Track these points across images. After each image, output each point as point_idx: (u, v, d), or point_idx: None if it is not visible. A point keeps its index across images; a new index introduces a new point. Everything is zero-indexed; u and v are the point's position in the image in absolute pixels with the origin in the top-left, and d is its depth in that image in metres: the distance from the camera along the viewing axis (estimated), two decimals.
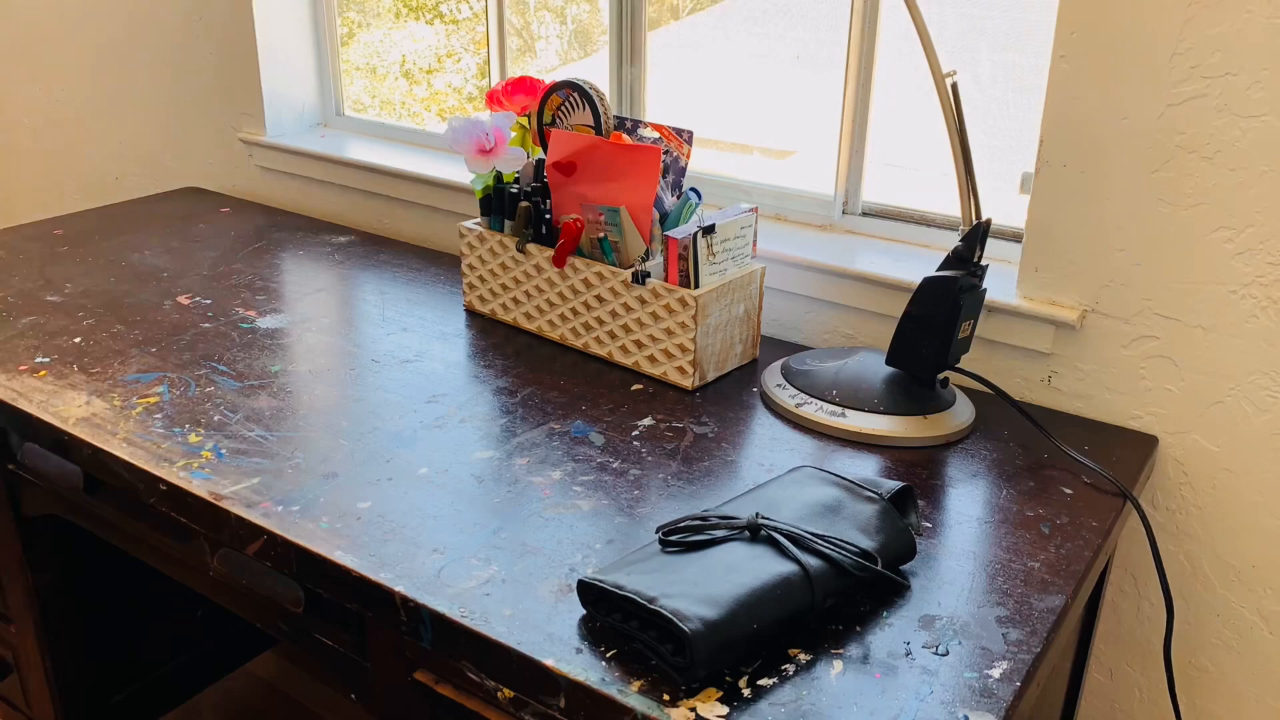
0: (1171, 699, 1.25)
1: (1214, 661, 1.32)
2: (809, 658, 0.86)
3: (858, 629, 0.90)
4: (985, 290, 1.24)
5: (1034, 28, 1.27)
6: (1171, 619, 1.24)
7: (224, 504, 1.06)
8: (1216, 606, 1.29)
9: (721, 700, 0.81)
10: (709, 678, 0.83)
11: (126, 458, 1.14)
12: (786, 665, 0.85)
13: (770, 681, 0.83)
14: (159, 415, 1.23)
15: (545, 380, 1.34)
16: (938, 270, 1.21)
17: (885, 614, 0.91)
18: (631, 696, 0.81)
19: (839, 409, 1.24)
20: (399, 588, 0.93)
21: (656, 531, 0.94)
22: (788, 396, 1.28)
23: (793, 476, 1.03)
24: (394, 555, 0.98)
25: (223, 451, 1.15)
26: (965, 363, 1.27)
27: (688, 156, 1.38)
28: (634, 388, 1.32)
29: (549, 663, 0.84)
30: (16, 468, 1.38)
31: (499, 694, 0.90)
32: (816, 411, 1.24)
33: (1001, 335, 1.33)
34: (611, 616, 0.87)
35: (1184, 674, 1.34)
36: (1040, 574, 0.98)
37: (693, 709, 0.80)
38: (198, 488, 1.08)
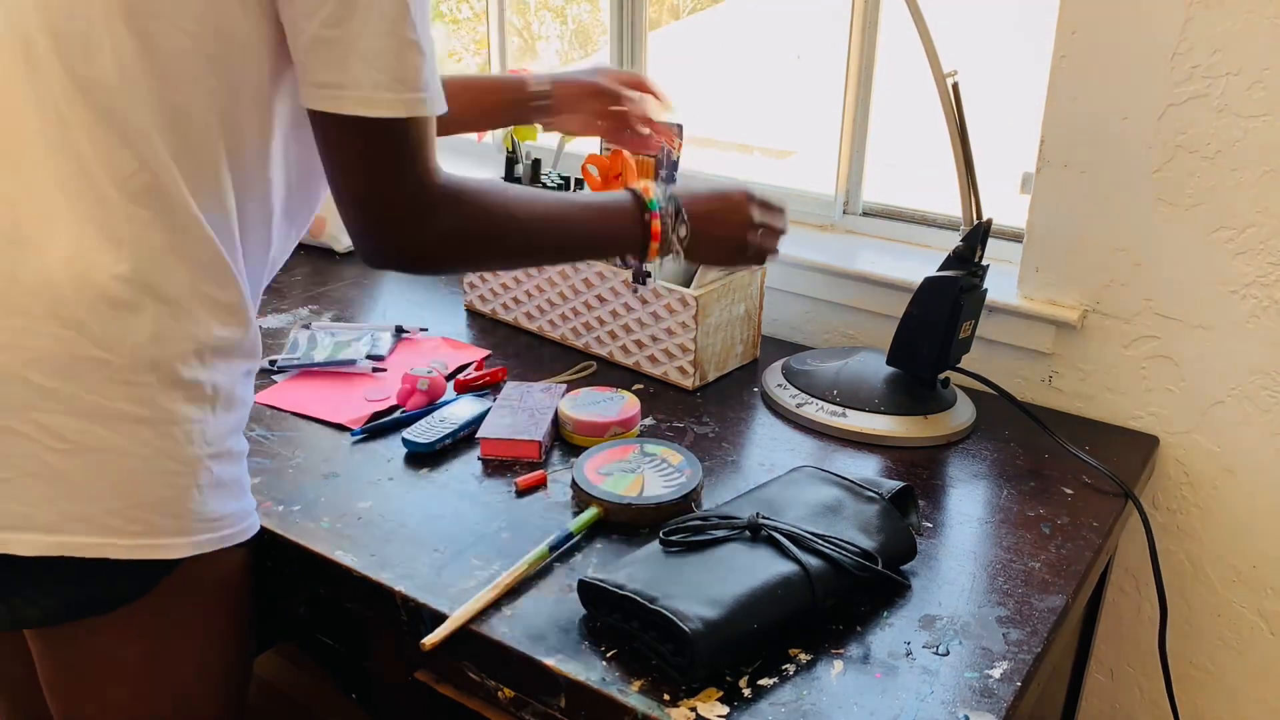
0: (1169, 698, 1.25)
1: (1215, 662, 1.32)
2: (809, 658, 0.86)
3: (858, 629, 0.89)
4: (986, 290, 1.24)
5: (1034, 28, 1.27)
6: (1165, 618, 1.24)
7: None
8: (1217, 607, 1.29)
9: (722, 700, 0.81)
10: (709, 677, 0.83)
11: None
12: (787, 665, 0.85)
13: (770, 681, 0.83)
14: None
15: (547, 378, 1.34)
16: (938, 270, 1.21)
17: (886, 614, 0.91)
18: (632, 696, 0.81)
19: (839, 409, 1.24)
20: (399, 587, 0.93)
21: (657, 532, 0.94)
22: (788, 396, 1.28)
23: (793, 476, 1.03)
24: (394, 555, 0.98)
25: None
26: (966, 363, 1.27)
27: (679, 150, 1.38)
28: (635, 388, 1.32)
29: (549, 663, 0.84)
30: None
31: (499, 694, 0.90)
32: (817, 411, 1.24)
33: (1002, 335, 1.33)
34: (612, 616, 0.87)
35: (1185, 674, 1.34)
36: (1041, 574, 0.98)
37: (693, 709, 0.80)
38: None
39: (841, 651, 0.87)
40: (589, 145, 1.50)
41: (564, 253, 1.01)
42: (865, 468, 1.16)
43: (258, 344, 0.92)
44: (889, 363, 1.26)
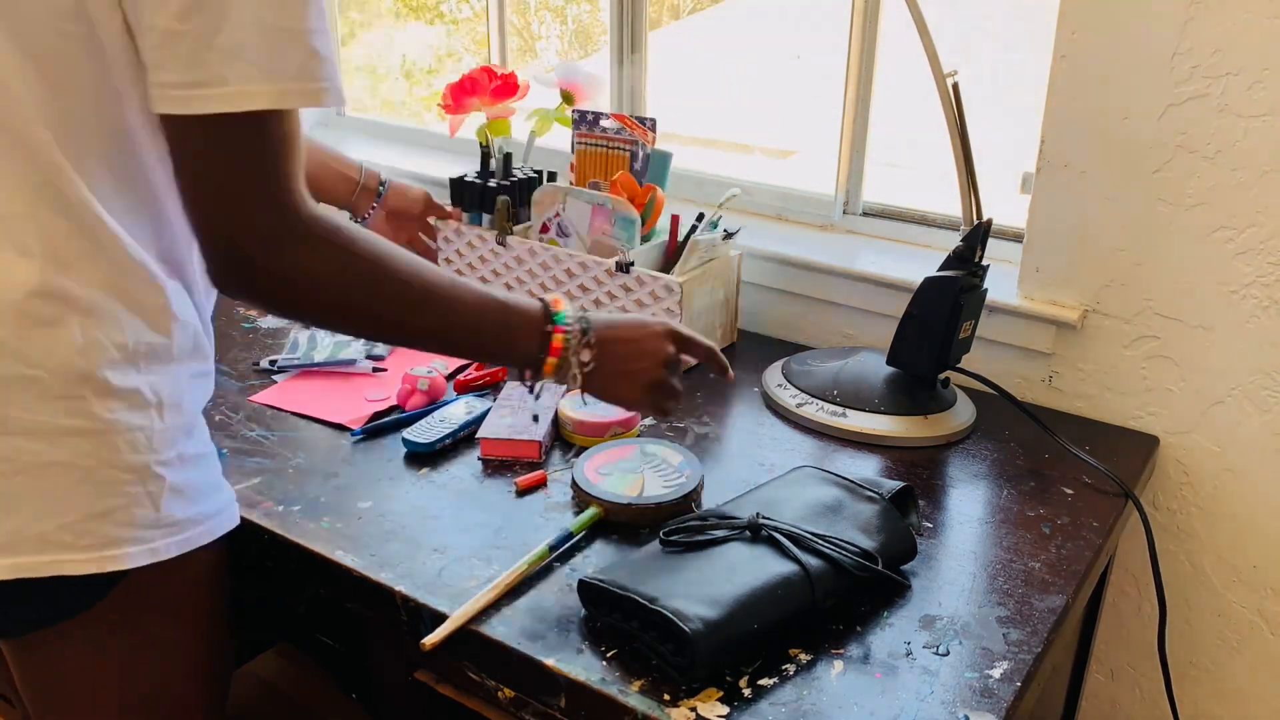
0: (1169, 697, 1.25)
1: (1215, 662, 1.32)
2: (809, 658, 0.86)
3: (858, 629, 0.89)
4: (986, 290, 1.24)
5: (1034, 28, 1.27)
6: (1164, 617, 1.24)
7: None
8: (1218, 607, 1.29)
9: (722, 700, 0.81)
10: (709, 677, 0.83)
11: None
12: (787, 665, 0.85)
13: (771, 681, 0.83)
14: None
15: None
16: (938, 270, 1.21)
17: (886, 614, 0.91)
18: (632, 696, 0.81)
19: (840, 409, 1.24)
20: (400, 587, 0.93)
21: (657, 531, 0.94)
22: (788, 396, 1.28)
23: (793, 476, 1.03)
24: (395, 555, 0.98)
25: (224, 451, 1.15)
26: (966, 363, 1.27)
27: (652, 143, 1.41)
28: None
29: (549, 663, 0.84)
30: None
31: (499, 694, 0.90)
32: (817, 411, 1.24)
33: (1002, 335, 1.33)
34: (612, 616, 0.87)
35: (1185, 674, 1.34)
36: (1041, 574, 0.97)
37: (693, 709, 0.80)
38: None
39: (841, 651, 0.87)
40: (562, 138, 1.51)
41: (446, 334, 0.88)
42: (865, 468, 1.16)
43: (201, 343, 0.89)
44: (889, 363, 1.26)
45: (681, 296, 1.31)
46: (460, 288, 0.87)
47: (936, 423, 1.22)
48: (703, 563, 0.89)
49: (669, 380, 0.97)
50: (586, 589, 0.89)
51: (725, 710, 0.80)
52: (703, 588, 0.85)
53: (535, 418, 1.16)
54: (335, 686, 1.27)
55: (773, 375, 1.34)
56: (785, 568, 0.88)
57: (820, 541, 0.91)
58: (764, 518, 0.93)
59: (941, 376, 1.26)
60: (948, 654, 0.87)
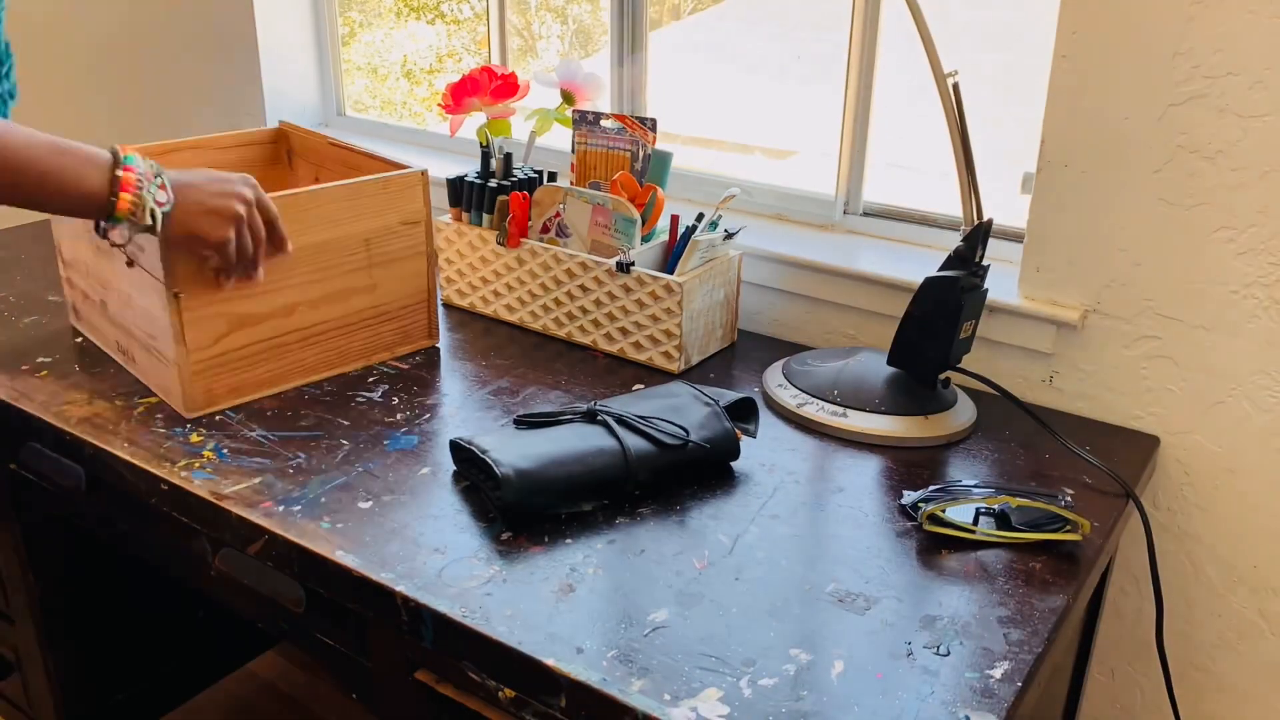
0: (1169, 697, 1.25)
1: (1216, 662, 1.32)
2: (809, 657, 0.86)
3: (857, 628, 0.89)
4: (987, 290, 1.24)
5: (1034, 28, 1.27)
6: (1161, 614, 1.24)
7: (225, 504, 1.06)
8: (1218, 607, 1.29)
9: (722, 700, 0.81)
10: (524, 517, 1.01)
11: (128, 458, 1.14)
12: (787, 665, 0.85)
13: (771, 681, 0.83)
14: (160, 415, 1.23)
15: (544, 376, 1.34)
16: (939, 270, 1.21)
17: (886, 614, 0.91)
18: (633, 696, 0.81)
19: (840, 409, 1.24)
20: (400, 588, 0.93)
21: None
22: (789, 396, 1.28)
23: (663, 388, 1.19)
24: (395, 555, 0.98)
25: (224, 451, 1.15)
26: (967, 363, 1.27)
27: (653, 143, 1.41)
28: (635, 386, 1.32)
29: (550, 662, 0.84)
30: (18, 467, 1.38)
31: (500, 694, 0.90)
32: (818, 411, 1.24)
33: (1003, 335, 1.33)
34: (470, 471, 1.07)
35: (1186, 674, 1.34)
36: (1042, 574, 0.97)
37: (694, 709, 0.80)
38: (199, 488, 1.08)
39: (842, 651, 0.87)
40: (562, 138, 1.51)
41: (17, 188, 0.92)
42: (866, 467, 1.16)
43: None
44: (890, 363, 1.26)
45: (682, 297, 1.31)
46: (13, 129, 0.90)
47: (937, 423, 1.22)
48: (541, 435, 1.07)
49: (253, 218, 1.05)
50: (454, 446, 1.09)
51: (725, 710, 0.80)
52: (528, 449, 1.04)
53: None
54: (335, 686, 1.27)
55: (773, 375, 1.34)
56: (606, 441, 1.06)
57: (640, 421, 1.08)
58: (601, 405, 1.12)
59: (942, 376, 1.26)
60: (948, 654, 0.87)
